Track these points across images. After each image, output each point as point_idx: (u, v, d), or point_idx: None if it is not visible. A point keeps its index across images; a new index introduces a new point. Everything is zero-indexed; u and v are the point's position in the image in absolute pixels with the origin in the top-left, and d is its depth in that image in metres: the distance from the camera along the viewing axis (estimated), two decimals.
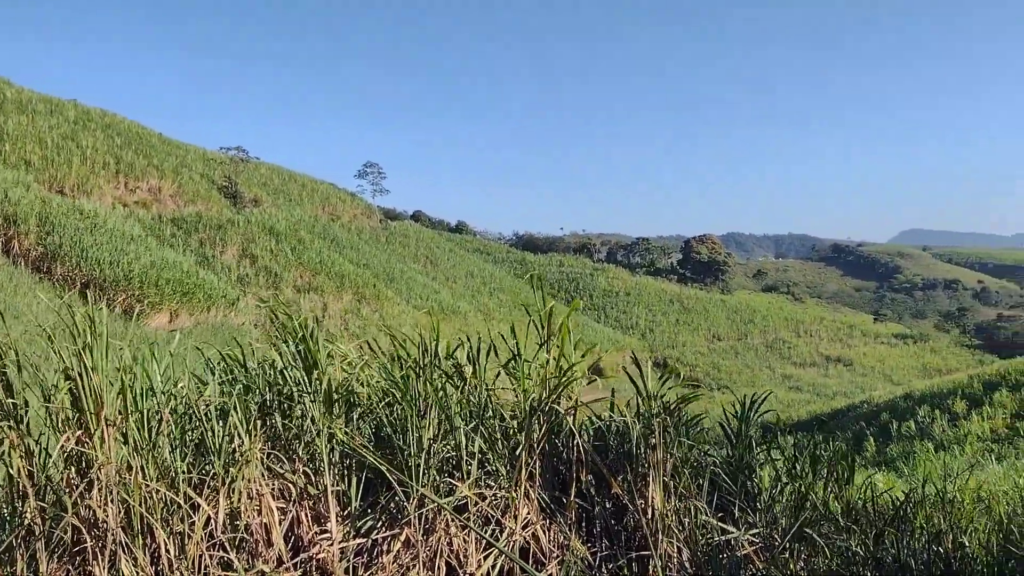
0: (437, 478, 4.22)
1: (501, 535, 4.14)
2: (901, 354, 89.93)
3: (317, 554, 3.95)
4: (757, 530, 4.34)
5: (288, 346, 4.53)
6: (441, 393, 4.40)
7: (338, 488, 4.19)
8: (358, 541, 4.02)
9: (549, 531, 4.25)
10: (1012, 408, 25.13)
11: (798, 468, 4.79)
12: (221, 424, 4.08)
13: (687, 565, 4.24)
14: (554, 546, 4.20)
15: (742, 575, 4.23)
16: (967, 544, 4.11)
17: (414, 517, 4.01)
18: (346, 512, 4.14)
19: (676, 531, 4.30)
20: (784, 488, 4.65)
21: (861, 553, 3.92)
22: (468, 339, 4.84)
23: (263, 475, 4.04)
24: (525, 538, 4.17)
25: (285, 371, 4.44)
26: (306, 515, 4.11)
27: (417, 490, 4.07)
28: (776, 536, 4.34)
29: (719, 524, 4.38)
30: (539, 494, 4.33)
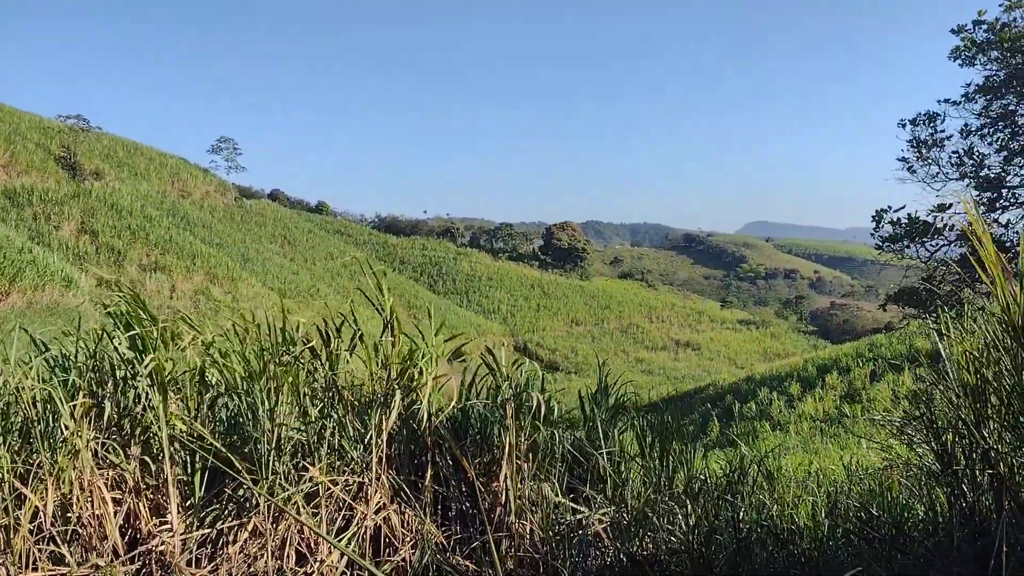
0: (289, 464, 4.11)
1: (353, 520, 4.09)
2: (744, 339, 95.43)
3: (157, 546, 3.77)
4: (606, 510, 4.48)
5: (124, 327, 4.27)
6: (293, 375, 4.28)
7: (181, 477, 4.01)
8: (202, 532, 3.86)
9: (403, 515, 4.23)
10: (841, 390, 27.20)
11: (645, 449, 4.98)
12: (48, 411, 3.82)
13: (539, 545, 4.32)
14: (408, 530, 4.18)
15: (592, 553, 4.35)
16: (797, 517, 4.39)
17: (263, 506, 3.89)
18: (188, 503, 3.96)
19: (529, 512, 4.37)
20: (631, 468, 4.82)
21: (696, 528, 4.12)
22: (324, 321, 4.73)
23: (96, 465, 3.82)
24: (377, 523, 4.13)
25: (118, 354, 4.19)
26: (144, 506, 3.91)
27: (267, 477, 3.96)
28: (624, 515, 4.49)
29: (571, 504, 4.49)
30: (394, 478, 4.30)
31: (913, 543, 3.77)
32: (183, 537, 3.83)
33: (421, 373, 4.59)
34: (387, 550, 4.12)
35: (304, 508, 3.98)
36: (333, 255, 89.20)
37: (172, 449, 3.98)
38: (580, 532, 4.39)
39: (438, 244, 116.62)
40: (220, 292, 49.48)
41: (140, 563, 3.78)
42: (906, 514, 4.06)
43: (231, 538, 3.90)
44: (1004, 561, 2.94)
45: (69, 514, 3.73)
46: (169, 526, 3.85)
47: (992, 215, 19.80)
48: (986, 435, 3.47)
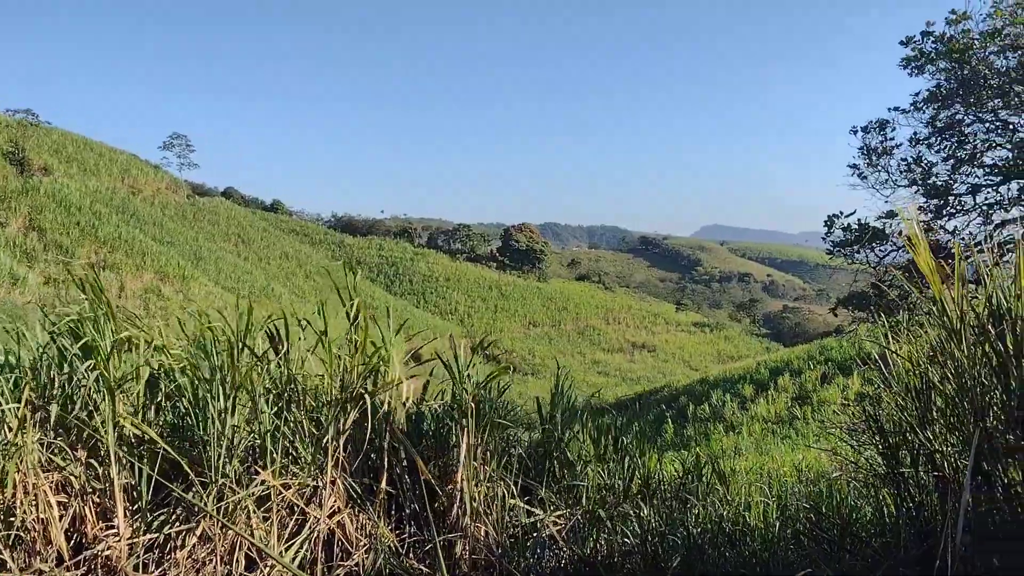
0: (239, 468, 4.03)
1: (307, 524, 4.04)
2: (699, 341, 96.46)
3: (103, 551, 3.68)
4: (561, 512, 4.49)
5: (73, 325, 4.15)
6: (246, 377, 4.21)
7: (128, 481, 3.92)
8: (149, 537, 3.78)
9: (357, 519, 4.19)
10: (792, 392, 27.67)
11: (600, 451, 5.00)
12: None
13: (494, 547, 4.31)
14: (361, 534, 4.14)
15: (547, 555, 4.36)
16: (748, 518, 4.44)
17: (212, 509, 3.82)
18: (136, 507, 3.88)
19: (484, 514, 4.36)
20: (587, 469, 4.84)
21: (649, 529, 4.15)
22: (283, 320, 4.65)
23: (41, 468, 3.72)
24: (331, 526, 4.08)
25: (63, 353, 4.08)
26: (91, 510, 3.82)
27: (216, 481, 3.88)
28: (579, 516, 4.51)
29: (525, 507, 4.49)
30: (348, 481, 4.25)
31: (861, 543, 3.84)
32: (130, 542, 3.75)
33: (379, 374, 4.55)
34: (341, 554, 4.08)
35: (255, 513, 3.92)
36: (288, 254, 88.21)
37: (120, 452, 3.89)
38: (535, 534, 4.40)
39: (395, 244, 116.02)
40: (171, 291, 48.57)
41: (85, 568, 3.69)
42: (854, 515, 4.14)
43: (179, 543, 3.82)
44: (949, 561, 3.01)
45: (12, 518, 3.62)
46: (116, 531, 3.76)
47: (940, 221, 20.26)
48: (931, 437, 3.55)
